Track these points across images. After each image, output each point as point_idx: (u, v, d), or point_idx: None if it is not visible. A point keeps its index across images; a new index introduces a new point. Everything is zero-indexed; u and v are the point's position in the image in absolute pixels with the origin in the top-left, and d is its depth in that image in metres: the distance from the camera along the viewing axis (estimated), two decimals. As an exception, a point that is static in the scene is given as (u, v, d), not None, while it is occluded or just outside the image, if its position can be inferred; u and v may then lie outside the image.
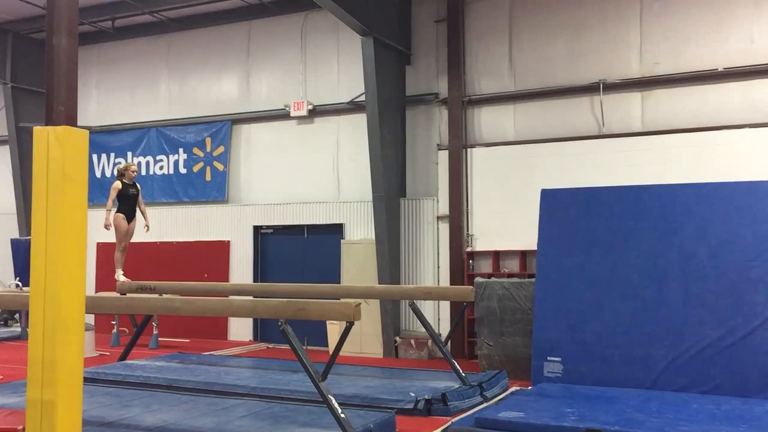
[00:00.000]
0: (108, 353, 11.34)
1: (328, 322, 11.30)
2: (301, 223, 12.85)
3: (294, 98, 12.87)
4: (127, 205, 10.12)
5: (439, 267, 11.61)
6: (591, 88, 10.62)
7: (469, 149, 11.49)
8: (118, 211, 10.05)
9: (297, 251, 12.93)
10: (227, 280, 13.15)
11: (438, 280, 11.58)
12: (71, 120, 6.50)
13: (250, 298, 8.87)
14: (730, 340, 7.63)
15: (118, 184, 10.02)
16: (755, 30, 9.76)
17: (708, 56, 9.97)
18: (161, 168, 14.19)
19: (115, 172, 10.39)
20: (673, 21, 10.22)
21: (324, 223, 12.59)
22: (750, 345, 7.56)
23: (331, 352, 6.42)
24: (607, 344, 8.23)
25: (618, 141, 10.41)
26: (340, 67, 12.60)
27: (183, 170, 13.98)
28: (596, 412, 6.39)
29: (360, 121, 11.76)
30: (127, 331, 12.96)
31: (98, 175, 14.70)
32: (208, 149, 13.72)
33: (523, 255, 10.84)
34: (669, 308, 8.05)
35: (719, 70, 9.86)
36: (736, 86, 9.80)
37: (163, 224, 13.87)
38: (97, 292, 13.36)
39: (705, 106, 9.97)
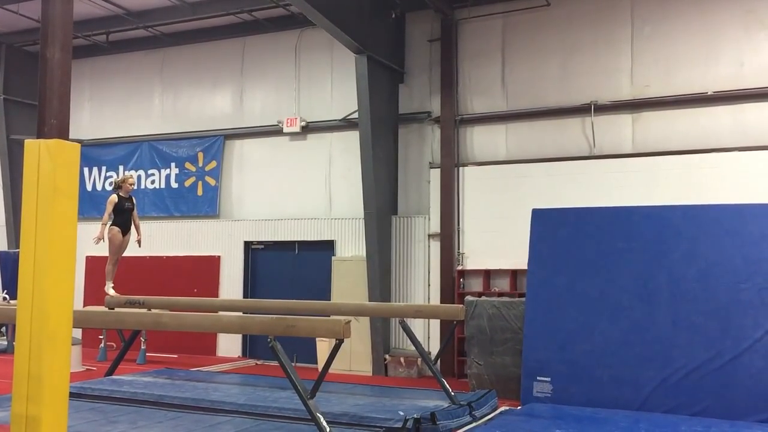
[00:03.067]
0: (95, 368, 11.24)
1: (317, 339, 11.24)
2: (293, 239, 12.83)
3: (287, 114, 12.90)
4: (123, 218, 9.91)
5: (429, 285, 11.61)
6: (582, 110, 10.70)
7: (461, 168, 11.53)
8: (113, 224, 9.84)
9: (288, 267, 12.89)
10: (217, 296, 13.09)
11: (428, 298, 11.58)
12: (63, 133, 6.48)
13: (240, 314, 8.82)
14: (719, 362, 7.64)
15: (114, 198, 9.82)
16: (744, 54, 9.87)
17: (698, 80, 10.08)
18: (153, 182, 14.16)
19: (111, 185, 10.22)
20: (663, 44, 10.33)
21: (315, 239, 12.58)
22: (738, 368, 7.58)
23: (320, 370, 6.39)
24: (597, 365, 8.23)
25: (609, 162, 10.48)
26: (334, 84, 12.65)
27: (174, 184, 13.95)
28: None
29: (353, 138, 11.79)
30: (115, 345, 12.85)
31: (89, 188, 14.65)
32: (201, 164, 13.71)
33: (514, 274, 10.85)
34: (658, 330, 8.06)
35: (709, 93, 9.96)
36: (725, 110, 9.90)
37: (153, 238, 13.80)
38: (85, 305, 13.26)
39: (695, 128, 10.06)
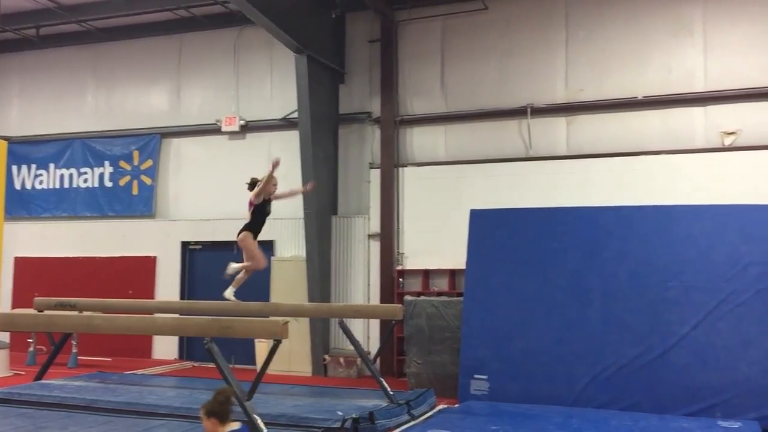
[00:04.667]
0: (23, 372, 10.84)
1: (256, 340, 11.14)
2: (231, 239, 12.60)
3: (226, 113, 12.72)
4: (259, 223, 8.26)
5: (369, 285, 11.63)
6: (519, 112, 10.91)
7: (400, 168, 11.60)
8: (247, 229, 8.20)
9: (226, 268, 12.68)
10: (153, 298, 12.80)
11: (368, 298, 11.60)
12: (-11, 129, 6.23)
13: (176, 315, 8.67)
14: (648, 358, 7.91)
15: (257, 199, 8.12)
16: (672, 60, 10.24)
17: (629, 84, 10.40)
18: (85, 181, 13.76)
19: (250, 182, 8.13)
20: (597, 49, 10.62)
21: (254, 239, 12.42)
22: (666, 363, 7.86)
23: (259, 371, 6.33)
24: (532, 362, 8.41)
25: (544, 164, 10.71)
26: (273, 83, 12.55)
27: (109, 183, 13.59)
28: (520, 429, 6.51)
29: (293, 137, 11.72)
30: (45, 349, 12.42)
31: (18, 187, 14.12)
32: (136, 162, 13.39)
33: (452, 274, 10.98)
34: (591, 327, 8.29)
35: (639, 98, 10.29)
36: (654, 114, 10.25)
37: (86, 239, 13.45)
38: (13, 308, 12.79)
39: (626, 132, 10.37)
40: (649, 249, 8.33)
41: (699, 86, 10.05)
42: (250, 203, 8.15)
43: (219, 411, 4.34)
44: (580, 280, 8.54)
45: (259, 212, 8.14)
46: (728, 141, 9.83)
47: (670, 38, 10.29)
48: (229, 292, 8.20)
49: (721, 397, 7.56)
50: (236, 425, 4.41)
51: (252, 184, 8.18)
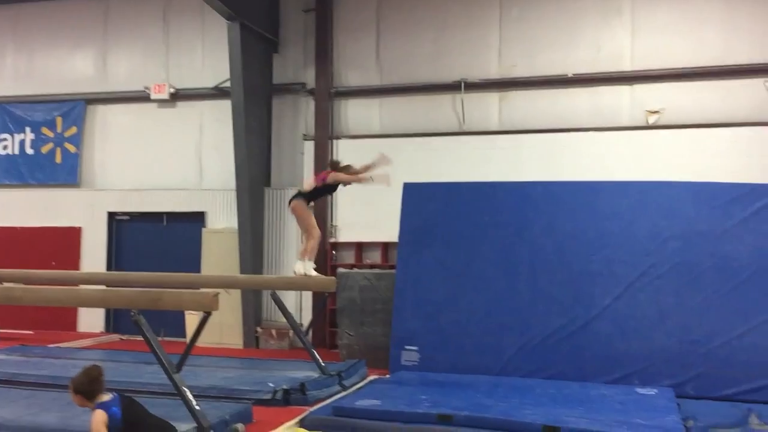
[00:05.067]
0: (-62, 347, 10.40)
1: (186, 312, 10.97)
2: (161, 210, 12.38)
3: (155, 80, 12.35)
4: (316, 195, 7.96)
5: (302, 257, 11.59)
6: (453, 86, 10.98)
7: (335, 141, 11.54)
8: (300, 196, 7.79)
9: (155, 239, 12.44)
10: (78, 269, 12.43)
11: (301, 271, 11.56)
12: None
13: (102, 287, 8.45)
14: (572, 328, 8.18)
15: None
16: (601, 40, 10.47)
17: (559, 62, 10.59)
18: (5, 147, 13.17)
19: (331, 162, 7.97)
20: (529, 26, 10.76)
21: (185, 210, 12.20)
22: (589, 333, 8.16)
23: (188, 343, 6.25)
24: (462, 333, 8.59)
25: (477, 138, 10.84)
26: (205, 51, 12.24)
27: (30, 151, 13.05)
28: (449, 398, 6.65)
29: (225, 107, 11.49)
30: (-38, 323, 11.96)
31: (-69, 153, 13.40)
32: (59, 130, 12.89)
33: (386, 247, 11.05)
34: (519, 299, 8.51)
35: (569, 75, 10.50)
36: (583, 91, 10.49)
37: (6, 208, 12.92)
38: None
39: (556, 108, 10.59)
40: (575, 223, 8.57)
41: (626, 66, 10.32)
42: (322, 178, 7.83)
43: (86, 390, 4.33)
44: (509, 253, 8.73)
45: (324, 189, 7.95)
46: (652, 119, 10.17)
47: (600, 18, 10.51)
48: (305, 267, 7.77)
49: (639, 366, 7.90)
50: (107, 396, 4.37)
51: (334, 164, 8.01)
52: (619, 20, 10.41)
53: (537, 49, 10.71)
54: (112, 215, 12.64)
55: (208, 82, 12.08)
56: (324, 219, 11.33)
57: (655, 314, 8.06)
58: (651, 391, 7.22)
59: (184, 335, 11.09)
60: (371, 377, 8.57)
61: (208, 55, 12.18)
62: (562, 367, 8.08)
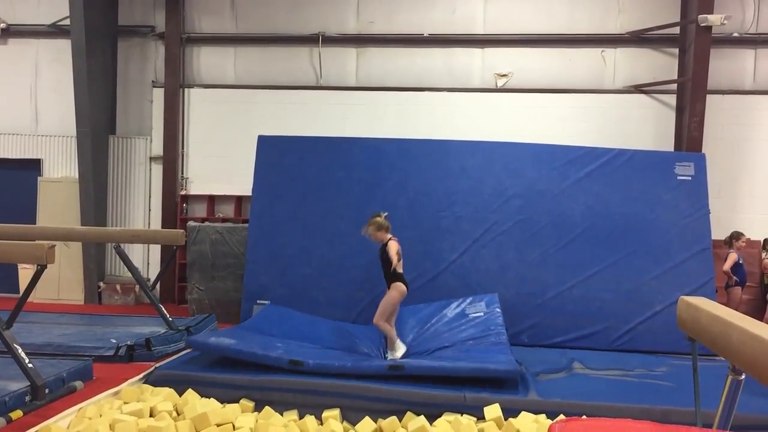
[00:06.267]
0: None
1: (20, 266, 10.26)
2: (-9, 156, 11.38)
3: (-17, 13, 11.22)
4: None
5: (150, 210, 11.14)
6: (311, 39, 10.83)
7: (186, 89, 11.07)
8: (400, 279, 6.67)
9: (-17, 188, 11.43)
10: None
11: (149, 224, 11.13)
12: None
13: None
14: (421, 282, 8.45)
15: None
16: (456, 3, 10.69)
17: (417, 21, 10.72)
18: None
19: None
20: (389, -17, 10.78)
21: (17, 157, 11.28)
22: (436, 286, 8.48)
23: (20, 298, 5.83)
24: (315, 287, 8.64)
25: (334, 93, 10.80)
26: (42, -17, 11.25)
27: None
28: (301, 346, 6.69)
29: (64, 47, 10.67)
30: None
31: None
32: None
33: (239, 200, 10.84)
34: (370, 254, 8.58)
35: (425, 35, 10.67)
36: (438, 52, 10.71)
37: None
38: None
39: (412, 67, 10.75)
40: (426, 181, 8.81)
41: (479, 29, 10.63)
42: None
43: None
44: (362, 209, 8.77)
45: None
46: (501, 82, 10.59)
47: (456, -20, 10.72)
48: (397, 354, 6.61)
49: (481, 317, 8.34)
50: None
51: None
52: (474, -16, 10.67)
53: (395, 6, 10.77)
54: (-69, 160, 11.47)
55: (45, 18, 11.14)
56: (174, 171, 10.91)
57: (497, 268, 8.52)
58: (479, 312, 7.58)
59: (18, 291, 10.37)
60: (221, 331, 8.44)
61: (45, -11, 11.20)
62: (410, 319, 8.35)
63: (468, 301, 7.74)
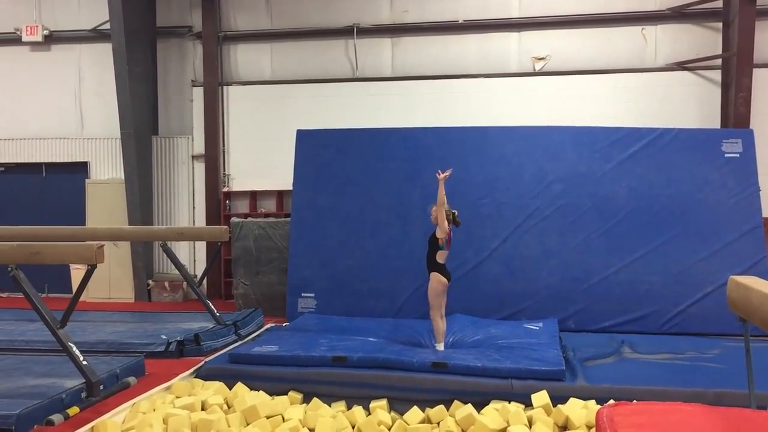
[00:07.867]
0: None
1: (72, 267, 10.54)
2: (39, 160, 11.68)
3: (26, 21, 11.49)
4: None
5: (194, 208, 11.32)
6: (345, 32, 10.83)
7: (225, 87, 11.19)
8: (438, 269, 6.68)
9: (34, 192, 11.75)
10: (-52, 225, 11.60)
11: (193, 221, 11.31)
12: None
13: (-24, 243, 7.93)
14: (464, 270, 8.43)
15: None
16: (491, -14, 10.57)
17: (450, 8, 10.62)
18: None
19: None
20: (421, -28, 10.71)
21: (66, 161, 11.57)
22: (479, 274, 8.46)
23: (72, 297, 6.00)
24: (357, 279, 8.70)
25: (370, 85, 10.79)
26: (80, -11, 11.48)
27: None
28: (345, 342, 6.74)
29: (105, 51, 10.87)
30: None
31: None
32: None
33: (280, 195, 10.94)
34: (412, 244, 8.64)
35: (459, 21, 10.58)
36: (473, 38, 10.60)
37: None
38: None
39: (447, 55, 10.67)
40: (465, 168, 8.75)
41: (514, 12, 10.48)
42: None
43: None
44: (402, 199, 8.85)
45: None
46: (538, 66, 10.44)
47: (489, -36, 10.59)
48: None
49: (526, 303, 8.30)
50: None
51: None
52: (508, -33, 10.53)
53: (428, -6, 10.70)
54: (-16, 167, 11.84)
55: (86, 23, 11.37)
56: (216, 168, 11.06)
57: (540, 254, 8.44)
58: (537, 325, 7.56)
59: (70, 291, 10.66)
60: (268, 325, 8.57)
61: (84, -6, 11.44)
62: (455, 308, 8.24)
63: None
